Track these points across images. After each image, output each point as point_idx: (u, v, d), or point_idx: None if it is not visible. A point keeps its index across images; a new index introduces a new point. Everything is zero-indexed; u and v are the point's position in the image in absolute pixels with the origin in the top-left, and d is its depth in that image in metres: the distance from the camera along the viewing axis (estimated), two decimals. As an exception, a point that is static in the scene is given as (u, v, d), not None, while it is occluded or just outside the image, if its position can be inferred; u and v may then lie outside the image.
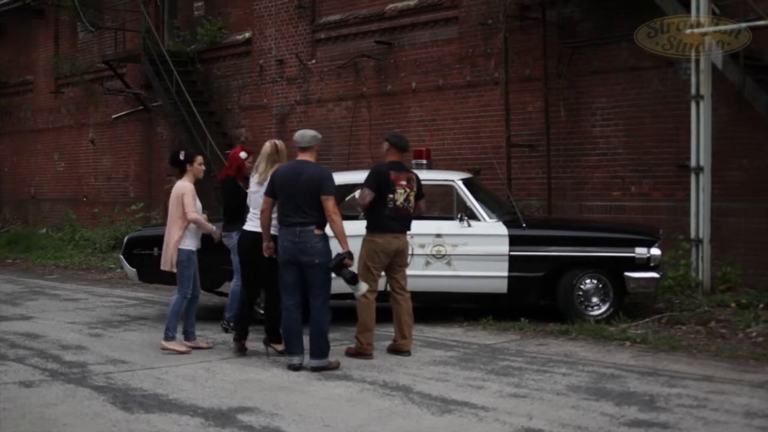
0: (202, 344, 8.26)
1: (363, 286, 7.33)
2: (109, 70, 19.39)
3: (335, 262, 7.09)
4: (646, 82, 11.60)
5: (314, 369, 7.09)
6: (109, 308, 11.17)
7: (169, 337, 8.07)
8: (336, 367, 7.18)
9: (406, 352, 7.75)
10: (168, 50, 17.56)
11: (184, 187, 8.12)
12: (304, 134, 7.40)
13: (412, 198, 7.77)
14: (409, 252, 8.13)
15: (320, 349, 7.13)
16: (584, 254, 9.18)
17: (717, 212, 10.39)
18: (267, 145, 7.98)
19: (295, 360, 7.22)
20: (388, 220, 7.66)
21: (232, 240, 8.55)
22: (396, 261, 7.77)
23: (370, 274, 7.66)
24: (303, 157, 7.33)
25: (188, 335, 8.26)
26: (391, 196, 7.64)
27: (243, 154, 9.01)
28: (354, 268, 7.29)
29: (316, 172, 7.18)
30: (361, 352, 7.65)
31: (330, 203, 7.06)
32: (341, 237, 7.07)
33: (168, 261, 8.08)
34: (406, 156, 8.19)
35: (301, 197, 7.09)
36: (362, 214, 8.12)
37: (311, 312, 7.18)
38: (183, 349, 8.04)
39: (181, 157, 8.24)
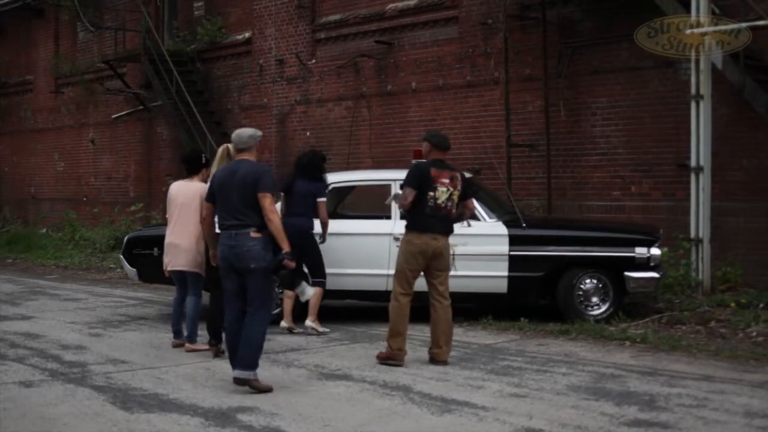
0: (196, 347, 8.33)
1: (309, 291, 6.86)
2: (109, 70, 19.40)
3: (274, 263, 6.52)
4: (646, 82, 11.61)
5: (236, 380, 6.46)
6: (109, 308, 11.17)
7: (193, 340, 8.23)
8: (265, 389, 6.44)
9: (441, 362, 7.29)
10: (168, 50, 17.56)
11: (205, 189, 8.18)
12: (241, 134, 6.81)
13: (455, 197, 7.32)
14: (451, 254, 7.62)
15: (244, 361, 6.47)
16: (584, 254, 9.18)
17: (717, 212, 10.39)
18: (220, 149, 7.82)
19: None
20: (427, 219, 7.22)
21: None
22: (434, 264, 7.30)
23: (404, 276, 7.28)
24: (241, 157, 6.78)
25: (179, 334, 8.34)
26: (431, 194, 7.20)
27: None
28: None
29: (253, 169, 6.59)
30: (391, 357, 7.27)
31: (267, 201, 6.47)
32: (280, 236, 6.49)
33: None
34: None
35: (237, 197, 6.54)
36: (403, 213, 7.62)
37: (245, 319, 6.58)
38: (205, 347, 8.13)
39: (203, 160, 8.44)
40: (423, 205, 7.23)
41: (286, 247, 6.51)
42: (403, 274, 7.30)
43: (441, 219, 7.29)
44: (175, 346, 8.33)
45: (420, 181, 7.25)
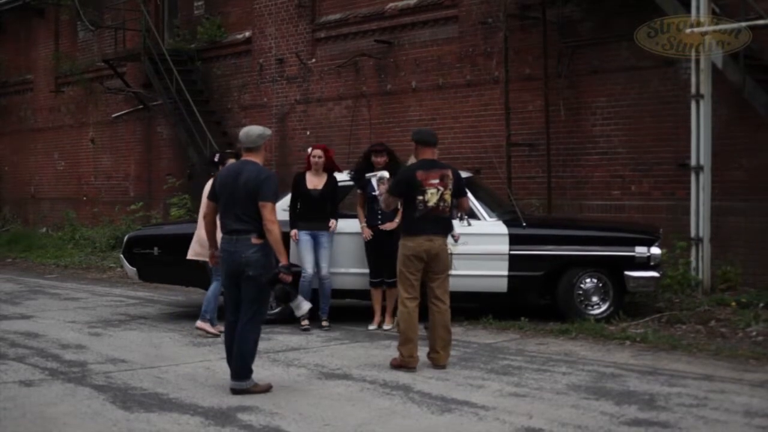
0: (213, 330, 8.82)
1: (305, 306, 6.69)
2: (109, 69, 19.37)
3: (270, 276, 6.33)
4: (646, 82, 11.60)
5: (233, 391, 6.41)
6: (109, 307, 11.17)
7: (205, 319, 8.81)
8: (264, 390, 6.45)
9: (439, 367, 7.16)
10: (168, 49, 17.55)
11: None
12: (249, 133, 6.60)
13: (448, 197, 7.15)
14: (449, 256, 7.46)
15: (239, 373, 6.43)
16: (584, 253, 9.18)
17: (717, 211, 10.39)
18: None
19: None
20: (418, 223, 7.08)
21: None
22: (431, 267, 7.16)
23: (406, 280, 7.14)
24: (248, 157, 6.59)
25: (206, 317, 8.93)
26: (420, 197, 7.06)
27: (309, 149, 9.54)
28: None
29: (254, 175, 6.38)
30: (402, 365, 7.12)
31: (267, 210, 6.29)
32: (278, 248, 6.30)
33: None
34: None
35: (239, 201, 6.39)
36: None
37: (237, 328, 6.46)
38: (214, 331, 8.70)
39: (216, 158, 9.07)
40: (413, 209, 7.11)
41: (284, 260, 6.33)
42: (405, 278, 7.19)
43: (434, 220, 7.13)
44: (199, 328, 8.87)
45: (405, 188, 7.16)
